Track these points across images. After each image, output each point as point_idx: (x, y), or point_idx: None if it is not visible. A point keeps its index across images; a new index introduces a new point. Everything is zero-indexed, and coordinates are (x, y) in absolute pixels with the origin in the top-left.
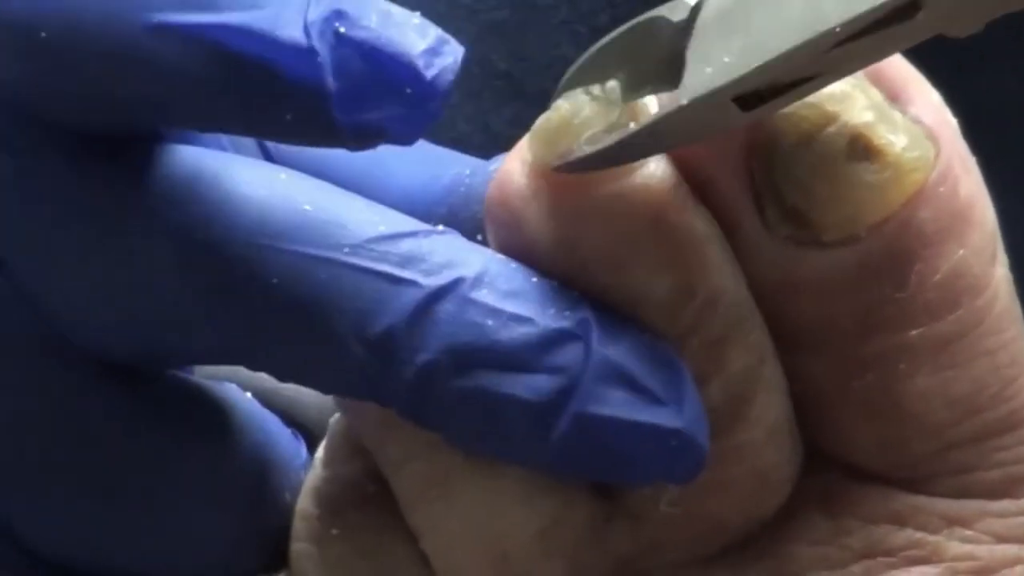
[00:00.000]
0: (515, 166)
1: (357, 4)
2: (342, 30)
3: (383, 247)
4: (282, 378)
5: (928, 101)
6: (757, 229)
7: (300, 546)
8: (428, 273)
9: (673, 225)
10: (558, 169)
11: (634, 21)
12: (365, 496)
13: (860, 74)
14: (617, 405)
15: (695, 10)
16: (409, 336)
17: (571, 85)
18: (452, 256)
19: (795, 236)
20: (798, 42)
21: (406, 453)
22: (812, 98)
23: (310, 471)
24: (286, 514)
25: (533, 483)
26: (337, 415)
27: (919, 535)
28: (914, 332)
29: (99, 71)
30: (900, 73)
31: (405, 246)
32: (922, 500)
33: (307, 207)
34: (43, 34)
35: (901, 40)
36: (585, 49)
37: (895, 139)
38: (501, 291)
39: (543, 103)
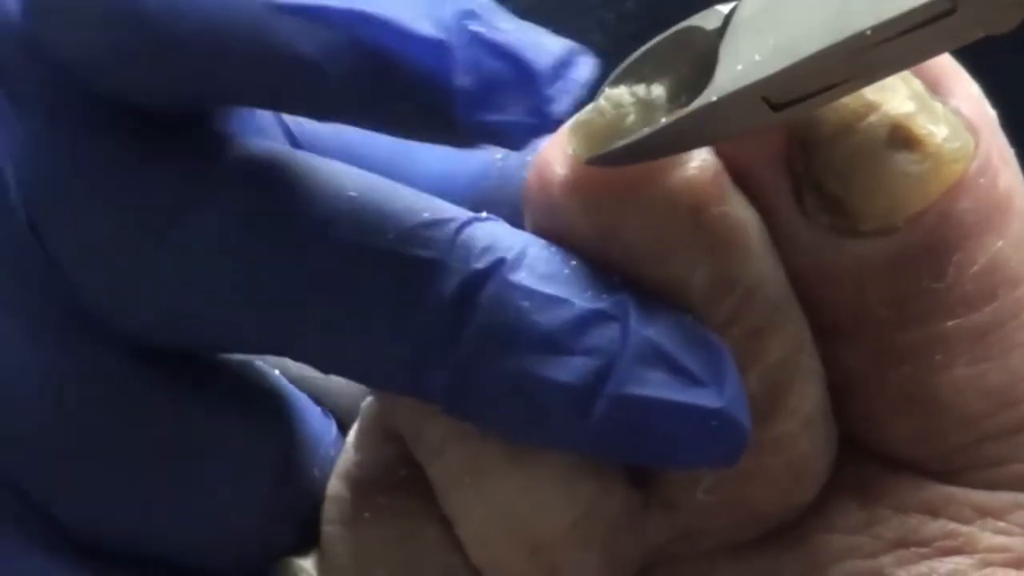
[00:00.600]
0: (555, 155)
1: (489, 8)
2: (476, 29)
3: (428, 233)
4: (324, 369)
5: (968, 93)
6: (795, 217)
7: (331, 528)
8: (470, 259)
9: (714, 215)
10: (590, 162)
11: (670, 31)
12: (397, 480)
13: None
14: (656, 386)
15: (728, 17)
16: (451, 321)
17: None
18: (494, 241)
19: (833, 225)
20: (829, 43)
21: (441, 439)
22: None
23: (342, 454)
24: (316, 491)
25: (569, 471)
26: (369, 398)
27: (952, 526)
28: (951, 323)
29: (207, 49)
30: (940, 65)
31: (449, 232)
32: (956, 491)
33: (352, 193)
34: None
35: (938, 43)
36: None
37: (936, 129)
38: (539, 274)
39: None
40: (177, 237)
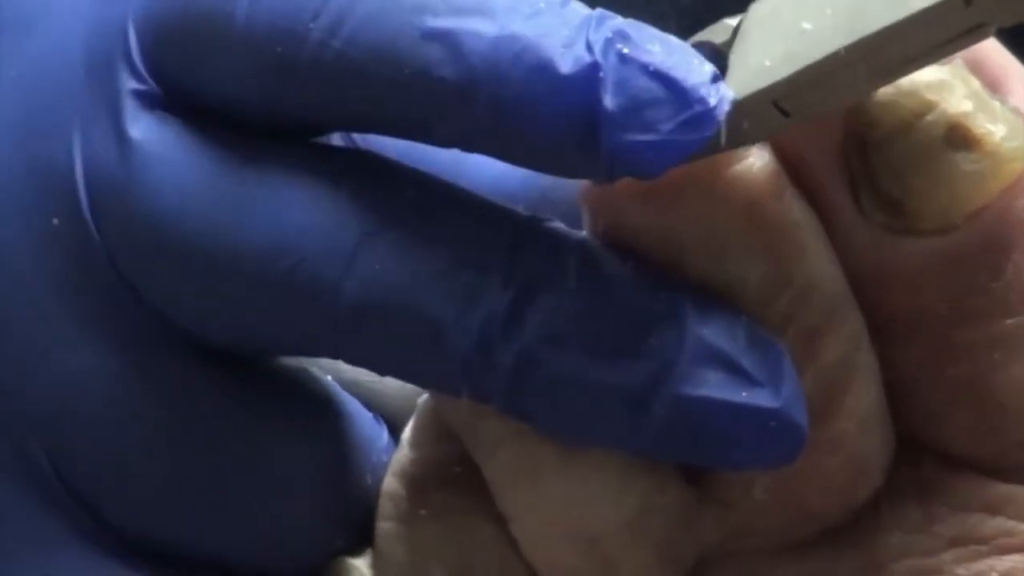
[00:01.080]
0: None
1: (639, 28)
2: (625, 51)
3: (488, 236)
4: (382, 372)
5: None
6: (852, 217)
7: (387, 525)
8: (530, 261)
9: (770, 213)
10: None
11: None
12: (453, 478)
13: (959, 62)
14: (714, 386)
15: (737, 28)
16: (509, 323)
17: None
18: (554, 242)
19: (890, 224)
20: (840, 45)
21: (497, 438)
22: (910, 86)
23: (397, 451)
24: (368, 495)
25: (624, 470)
26: (426, 396)
27: (1010, 523)
28: (1009, 321)
29: (353, 70)
30: (999, 63)
31: (511, 235)
32: (1013, 489)
33: (411, 193)
34: (278, 49)
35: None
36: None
37: (994, 128)
38: (596, 275)
39: None
40: (237, 249)
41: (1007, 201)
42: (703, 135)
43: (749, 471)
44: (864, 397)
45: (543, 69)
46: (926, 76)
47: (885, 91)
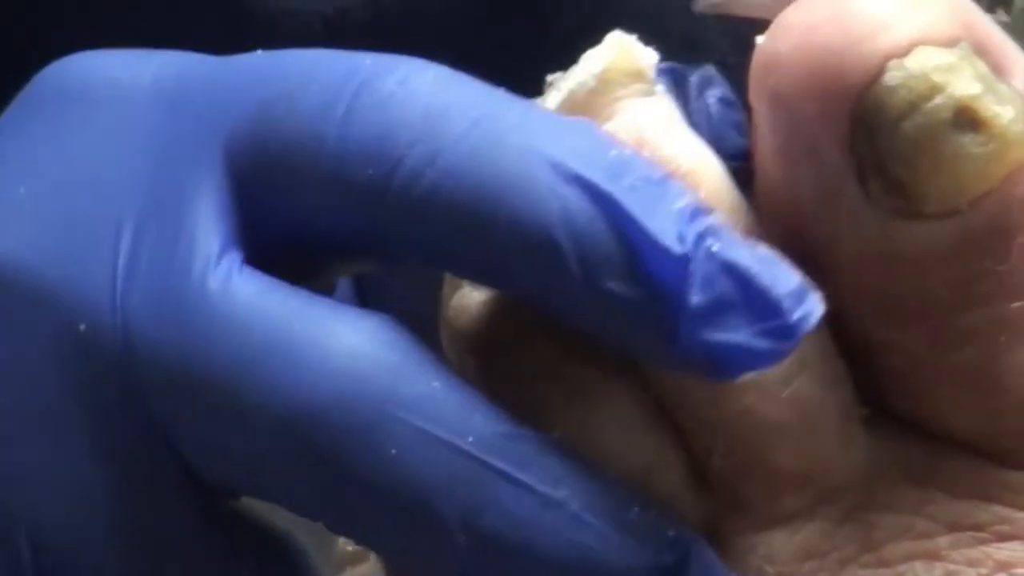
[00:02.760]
0: None
1: (730, 230)
2: (715, 248)
3: (506, 445)
4: (377, 549)
5: None
6: (859, 200)
7: None
8: (543, 481)
9: (659, 160)
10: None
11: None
12: None
13: (966, 45)
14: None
15: None
16: (514, 539)
17: None
18: (564, 471)
19: (897, 208)
20: None
21: None
22: (917, 69)
23: None
24: None
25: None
26: None
27: (1007, 511)
28: (1015, 305)
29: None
30: (1002, 47)
31: (529, 451)
32: (1010, 475)
33: (436, 384)
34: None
35: None
36: None
37: (1002, 111)
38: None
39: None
40: (241, 408)
41: (1013, 184)
42: (782, 348)
43: (706, 441)
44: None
45: (640, 248)
46: (934, 59)
47: (893, 74)
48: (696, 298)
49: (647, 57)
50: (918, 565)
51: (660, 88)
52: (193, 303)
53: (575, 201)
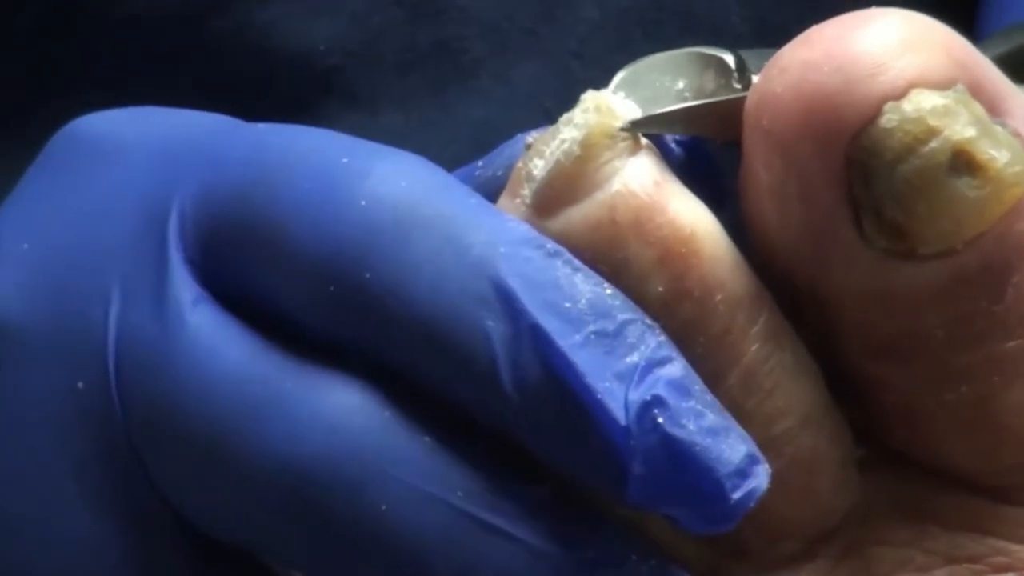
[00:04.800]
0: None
1: (679, 398)
2: (660, 420)
3: (496, 499)
4: None
5: None
6: (853, 240)
7: None
8: (535, 533)
9: (655, 228)
10: (625, 129)
11: (685, 51)
12: None
13: (962, 88)
14: None
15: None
16: None
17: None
18: (557, 524)
19: (892, 249)
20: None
21: None
22: (913, 112)
23: None
24: None
25: None
26: None
27: (1001, 543)
28: (1009, 344)
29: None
30: (998, 87)
31: (522, 505)
32: (1007, 510)
33: (426, 439)
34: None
35: None
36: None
37: (997, 155)
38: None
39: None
40: (234, 473)
41: (1007, 225)
42: (723, 525)
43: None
44: (801, 395)
45: (588, 406)
46: (930, 102)
47: (889, 117)
48: (639, 469)
49: (625, 113)
50: None
51: (644, 142)
52: (183, 361)
53: (527, 354)
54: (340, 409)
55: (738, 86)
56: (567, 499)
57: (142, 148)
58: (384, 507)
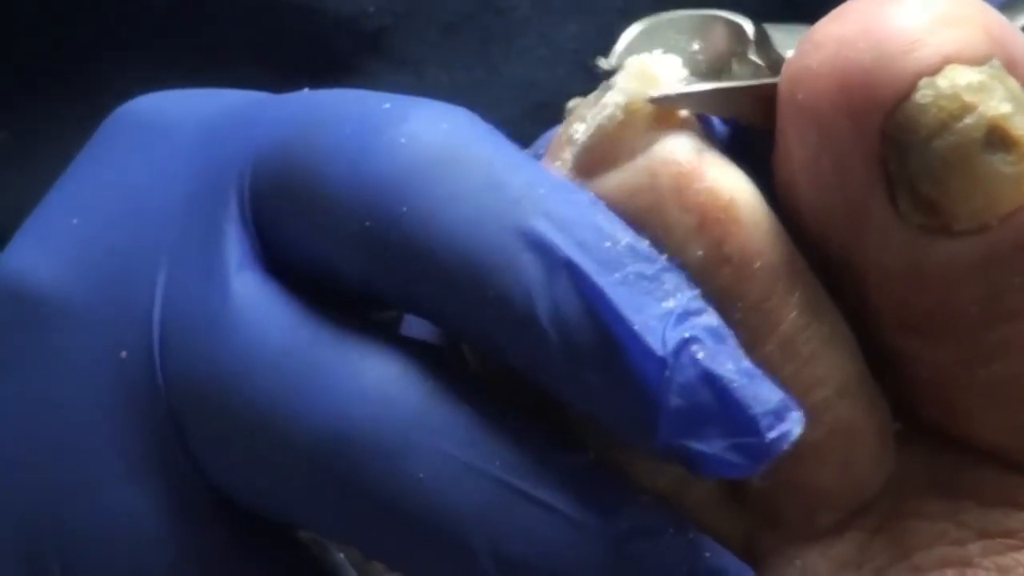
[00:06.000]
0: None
1: (716, 341)
2: (699, 355)
3: (535, 469)
4: (405, 573)
5: None
6: (888, 217)
7: None
8: (573, 504)
9: (695, 193)
10: (653, 101)
11: (705, 12)
12: None
13: (997, 63)
14: None
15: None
16: (544, 567)
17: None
18: (594, 495)
19: (926, 225)
20: None
21: None
22: (949, 88)
23: None
24: None
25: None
26: None
27: None
28: None
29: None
30: None
31: (559, 475)
32: None
33: (465, 408)
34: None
35: None
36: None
37: None
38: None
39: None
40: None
41: None
42: (756, 465)
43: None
44: (838, 365)
45: (624, 342)
46: (965, 78)
47: (924, 92)
48: (675, 402)
49: (669, 77)
50: (950, 572)
51: (685, 113)
52: (227, 331)
53: (564, 290)
54: (380, 378)
55: (755, 57)
56: (605, 471)
57: (192, 124)
58: (422, 476)
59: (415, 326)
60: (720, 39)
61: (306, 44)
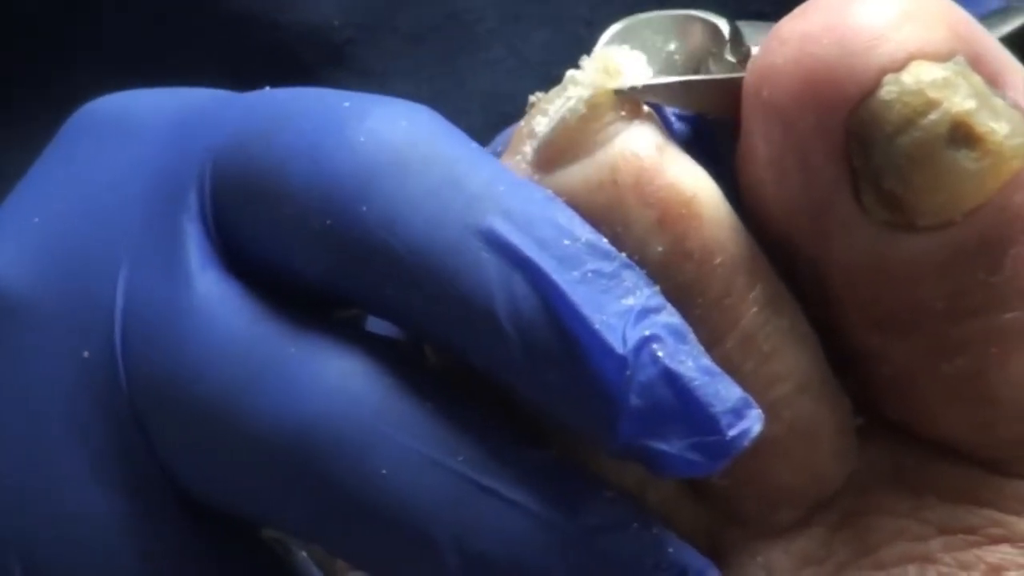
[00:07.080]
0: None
1: (676, 339)
2: (660, 354)
3: (497, 464)
4: (370, 571)
5: None
6: (852, 212)
7: None
8: (537, 499)
9: (656, 189)
10: (619, 93)
11: (682, 12)
12: None
13: (962, 59)
14: None
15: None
16: (507, 560)
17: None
18: (557, 490)
19: (890, 220)
20: None
21: None
22: (913, 84)
23: None
24: None
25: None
26: None
27: (997, 515)
28: (1008, 316)
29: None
30: (998, 59)
31: (523, 470)
32: (1004, 481)
33: (428, 404)
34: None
35: None
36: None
37: (996, 127)
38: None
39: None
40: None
41: (1006, 197)
42: (714, 463)
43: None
44: (799, 361)
45: (583, 341)
46: (930, 74)
47: (888, 89)
48: (635, 401)
49: (634, 72)
50: (911, 568)
51: (647, 109)
52: (188, 330)
53: (523, 289)
54: (341, 373)
55: (730, 56)
56: (570, 466)
57: (154, 122)
58: (384, 471)
59: (378, 323)
60: (696, 38)
61: (272, 57)
